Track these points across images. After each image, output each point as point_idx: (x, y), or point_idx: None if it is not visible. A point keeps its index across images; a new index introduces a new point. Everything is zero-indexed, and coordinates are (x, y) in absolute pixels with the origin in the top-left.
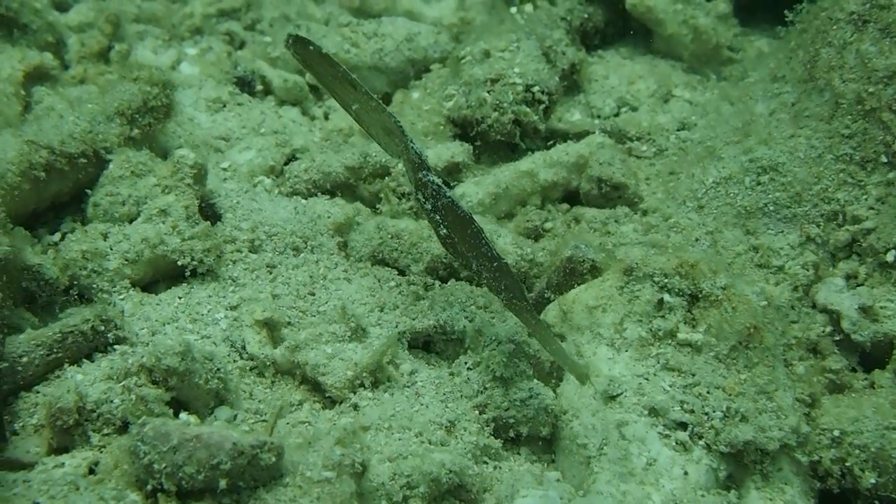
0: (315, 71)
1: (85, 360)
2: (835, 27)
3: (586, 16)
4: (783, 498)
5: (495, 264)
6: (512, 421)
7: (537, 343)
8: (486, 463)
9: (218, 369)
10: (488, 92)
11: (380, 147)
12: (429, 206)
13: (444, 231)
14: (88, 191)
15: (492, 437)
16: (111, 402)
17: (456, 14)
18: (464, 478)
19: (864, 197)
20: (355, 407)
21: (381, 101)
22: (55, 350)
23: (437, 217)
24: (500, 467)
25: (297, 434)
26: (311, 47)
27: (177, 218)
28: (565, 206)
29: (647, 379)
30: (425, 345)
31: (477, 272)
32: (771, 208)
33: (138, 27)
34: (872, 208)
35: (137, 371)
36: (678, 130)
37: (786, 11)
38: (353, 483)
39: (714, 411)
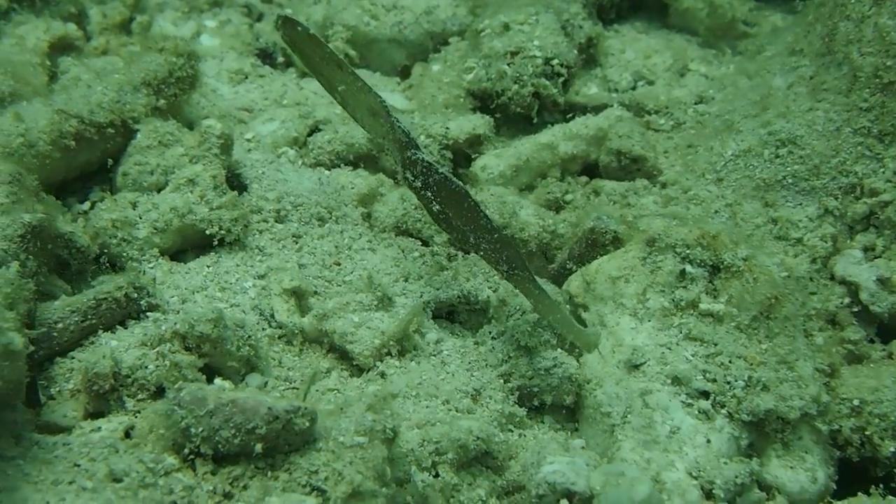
0: (303, 53)
1: (118, 327)
2: (853, 1)
3: None
4: (803, 466)
5: (495, 236)
6: (536, 390)
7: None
8: (510, 431)
9: (249, 336)
10: (508, 65)
11: (364, 130)
12: (418, 184)
13: (437, 207)
14: (111, 161)
15: (516, 406)
16: (145, 367)
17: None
18: (490, 445)
19: (882, 170)
20: (382, 375)
21: (366, 83)
22: (89, 316)
23: (429, 194)
24: (525, 435)
25: (326, 401)
26: (299, 28)
27: (204, 188)
28: (584, 178)
29: (669, 348)
30: (449, 315)
31: (475, 245)
32: (789, 181)
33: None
34: (890, 181)
35: (171, 337)
36: (696, 104)
37: None
38: (385, 448)
39: (736, 380)
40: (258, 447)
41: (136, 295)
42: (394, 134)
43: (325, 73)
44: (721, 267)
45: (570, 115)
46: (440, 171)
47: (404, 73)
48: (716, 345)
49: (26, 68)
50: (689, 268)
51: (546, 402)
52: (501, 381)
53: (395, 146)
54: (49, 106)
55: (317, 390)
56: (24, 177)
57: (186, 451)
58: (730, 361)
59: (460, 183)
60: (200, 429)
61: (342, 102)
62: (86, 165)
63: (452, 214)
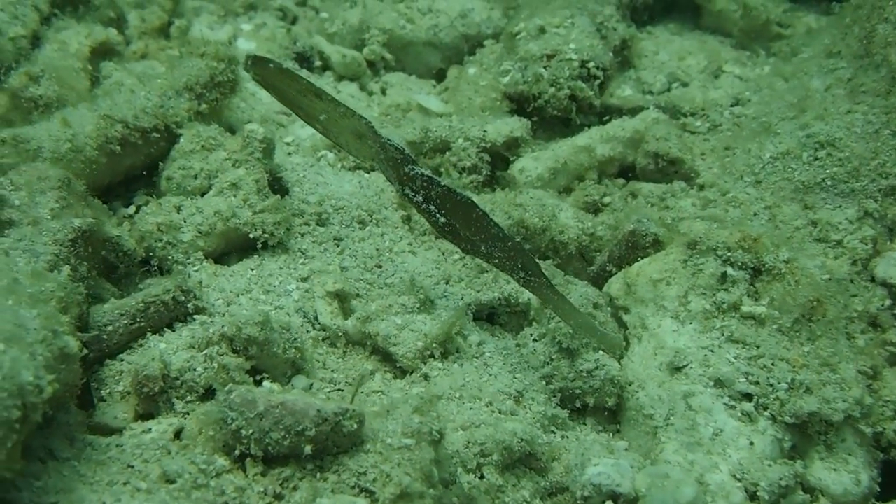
0: (276, 89)
1: (166, 330)
2: (891, 3)
3: None
4: (847, 468)
5: (508, 244)
6: (578, 392)
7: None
8: (553, 432)
9: (295, 339)
10: (545, 67)
11: (352, 155)
12: (419, 199)
13: (443, 220)
14: (161, 163)
15: (558, 408)
16: (194, 370)
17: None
18: (534, 446)
19: None
20: (426, 377)
21: (349, 107)
22: (138, 319)
23: (432, 207)
24: (568, 437)
25: (372, 403)
26: (270, 65)
27: (248, 191)
28: (621, 181)
29: (711, 351)
30: (489, 317)
31: (487, 255)
32: (829, 183)
33: (194, 3)
34: None
35: (219, 340)
36: (732, 106)
37: None
38: (432, 450)
39: (779, 383)
40: (307, 449)
41: (183, 298)
42: (385, 153)
43: (304, 106)
44: (762, 269)
45: (607, 117)
46: (442, 183)
47: (439, 75)
48: (758, 347)
49: (70, 73)
50: (730, 270)
51: (588, 403)
52: (544, 382)
53: (387, 165)
54: (94, 111)
55: (362, 392)
56: (72, 181)
57: (237, 452)
58: (772, 364)
59: (465, 193)
60: (251, 430)
61: (325, 132)
62: (130, 169)
63: (460, 225)
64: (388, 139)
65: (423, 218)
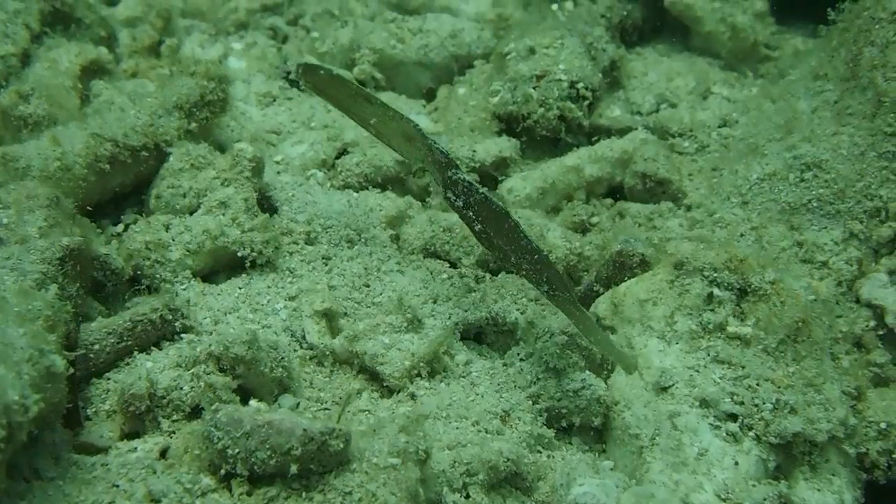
0: (329, 95)
1: (154, 348)
2: (877, 26)
3: (625, 13)
4: (831, 489)
5: (536, 257)
6: (564, 411)
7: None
8: (539, 452)
9: (282, 358)
10: (534, 88)
11: (403, 157)
12: (460, 204)
13: (479, 227)
14: (150, 181)
15: (545, 427)
16: (181, 388)
17: (493, 10)
18: (520, 466)
19: None
20: (413, 396)
21: (398, 111)
22: (125, 338)
23: (471, 213)
24: (554, 456)
25: (358, 422)
26: (321, 72)
27: (236, 210)
28: (609, 200)
29: (697, 371)
30: (476, 336)
31: (516, 265)
32: (815, 204)
33: (184, 22)
34: None
35: (206, 359)
36: (720, 127)
37: (828, 10)
38: (418, 469)
39: (764, 403)
40: (294, 468)
41: (170, 316)
42: (432, 156)
43: (355, 110)
44: (748, 290)
45: (595, 137)
46: (480, 190)
47: (429, 95)
48: (743, 367)
49: (60, 91)
50: (716, 291)
51: (574, 423)
52: (530, 402)
53: (434, 168)
54: (84, 129)
55: (348, 411)
56: (61, 200)
57: (223, 471)
58: (757, 384)
59: (501, 203)
60: (237, 450)
61: (377, 135)
62: (120, 188)
63: (493, 234)
64: (435, 143)
65: (463, 222)
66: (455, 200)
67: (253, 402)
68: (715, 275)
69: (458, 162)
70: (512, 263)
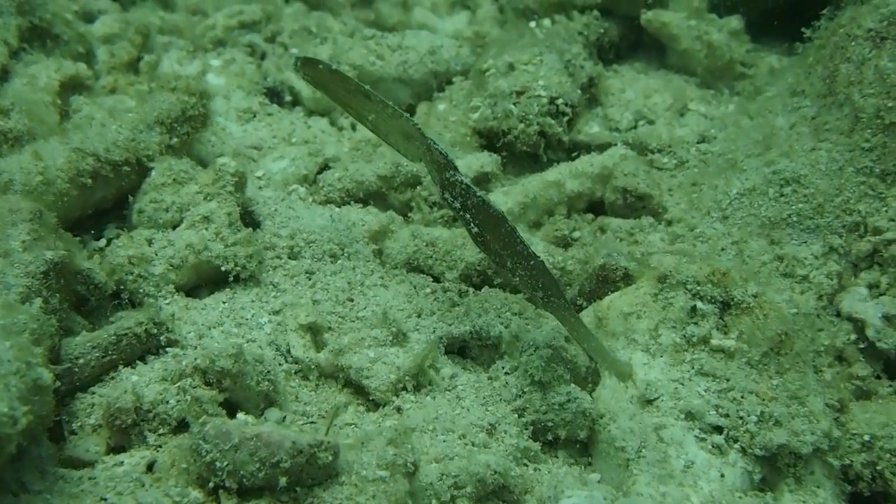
0: (328, 89)
1: (139, 362)
2: (853, 43)
3: (602, 31)
4: (815, 500)
5: (531, 262)
6: (550, 424)
7: (575, 348)
8: (525, 465)
9: (268, 371)
10: (514, 104)
11: (401, 154)
12: (457, 205)
13: (476, 230)
14: (131, 196)
15: (531, 440)
16: (167, 402)
17: (470, 28)
18: (507, 479)
19: (885, 209)
20: (398, 410)
21: (397, 108)
22: (110, 352)
23: (468, 216)
24: (540, 469)
25: (345, 435)
26: (320, 66)
27: (220, 224)
28: (590, 216)
29: (682, 384)
30: (461, 350)
31: (512, 270)
32: (794, 219)
33: (163, 39)
34: (893, 220)
35: (192, 372)
36: (698, 143)
37: (803, 28)
38: (407, 482)
39: (749, 415)
40: (283, 481)
41: (155, 330)
42: (431, 156)
43: (354, 105)
44: (731, 303)
45: (575, 153)
46: (478, 193)
47: (409, 112)
48: (728, 380)
49: (40, 107)
50: (700, 304)
51: (560, 436)
52: (516, 415)
53: (433, 167)
54: (66, 144)
55: (335, 424)
56: (44, 214)
57: (211, 484)
58: (742, 396)
59: (498, 207)
60: (225, 462)
61: (374, 130)
62: (101, 203)
63: (490, 238)
64: (434, 142)
65: (461, 224)
66: (452, 202)
67: (240, 416)
68: (698, 288)
69: None
70: (507, 268)
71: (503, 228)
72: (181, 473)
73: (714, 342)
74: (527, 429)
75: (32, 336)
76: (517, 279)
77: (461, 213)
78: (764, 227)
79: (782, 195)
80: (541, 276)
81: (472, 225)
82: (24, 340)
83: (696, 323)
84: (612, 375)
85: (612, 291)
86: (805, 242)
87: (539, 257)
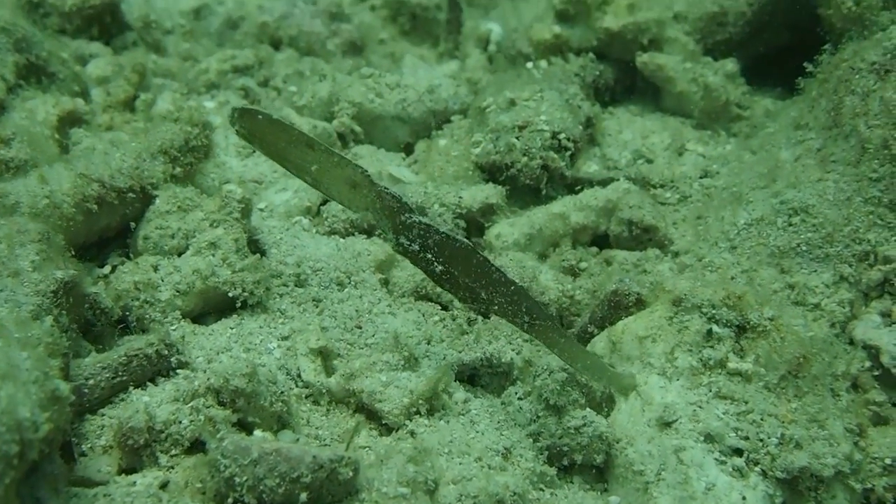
0: (264, 142)
1: (149, 384)
2: (857, 76)
3: (598, 73)
4: None
5: (511, 288)
6: (566, 449)
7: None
8: (542, 490)
9: (281, 392)
10: (517, 138)
11: (344, 206)
12: (416, 248)
13: (441, 268)
14: (134, 224)
15: (546, 465)
16: (180, 422)
17: (462, 75)
18: (526, 501)
19: (894, 238)
20: (412, 433)
21: (343, 156)
22: (120, 373)
23: (429, 256)
24: (556, 495)
25: (361, 456)
26: (259, 116)
27: (227, 251)
28: (594, 249)
29: (700, 406)
30: (470, 378)
31: (488, 301)
32: (804, 248)
33: (157, 80)
34: None
35: (205, 392)
36: (701, 178)
37: (805, 63)
38: (428, 499)
39: (769, 438)
40: (303, 496)
41: (166, 352)
42: (381, 202)
43: (294, 158)
44: (747, 327)
45: (579, 187)
46: (441, 230)
47: (407, 150)
48: (746, 402)
49: (40, 138)
50: (715, 327)
51: (576, 461)
52: (531, 440)
53: (383, 214)
54: (71, 170)
55: (349, 447)
56: (52, 235)
57: (230, 500)
58: (762, 419)
59: (465, 239)
60: (245, 478)
61: (315, 183)
62: (105, 230)
63: (460, 272)
64: (385, 188)
65: (419, 268)
66: (410, 245)
67: (258, 432)
68: (713, 311)
69: (441, 208)
70: (482, 300)
71: (474, 259)
72: (195, 494)
73: (731, 365)
74: (542, 453)
75: (48, 349)
76: (495, 308)
77: (420, 255)
78: (773, 257)
79: (791, 224)
80: (523, 301)
81: (436, 264)
82: (40, 352)
83: (712, 346)
84: (614, 390)
85: (625, 317)
86: (815, 271)
87: (518, 283)
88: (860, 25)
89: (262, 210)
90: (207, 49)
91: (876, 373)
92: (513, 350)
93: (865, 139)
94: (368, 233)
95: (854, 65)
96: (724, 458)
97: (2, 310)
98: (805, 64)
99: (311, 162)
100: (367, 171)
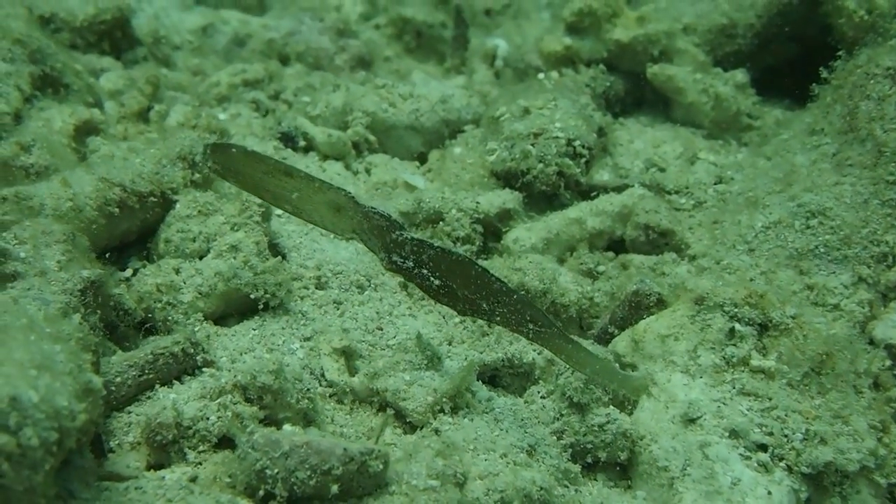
0: (240, 175)
1: (175, 382)
2: (872, 81)
3: (608, 84)
4: None
5: (513, 297)
6: (590, 446)
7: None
8: (566, 487)
9: (307, 389)
10: (532, 145)
11: (328, 231)
12: (409, 265)
13: (438, 282)
14: (155, 228)
15: (570, 462)
16: (207, 419)
17: (470, 89)
18: (552, 496)
19: None
20: (436, 432)
21: (324, 181)
22: (147, 371)
23: (424, 271)
24: (581, 492)
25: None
26: (233, 150)
27: (248, 253)
28: (611, 254)
29: (724, 403)
30: (491, 380)
31: (489, 312)
32: (822, 250)
33: (168, 93)
34: None
35: (232, 389)
36: (715, 184)
37: (820, 68)
38: (458, 492)
39: (794, 433)
40: (334, 488)
41: (192, 350)
42: (369, 222)
43: (272, 187)
44: (770, 325)
45: (594, 193)
46: (435, 244)
47: (421, 159)
48: (770, 399)
49: (58, 146)
50: (738, 326)
51: (600, 458)
52: (554, 437)
53: (371, 235)
54: (92, 174)
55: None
56: (77, 237)
57: (261, 493)
58: (786, 415)
59: (461, 252)
60: (276, 470)
61: (295, 212)
62: (126, 234)
63: (458, 285)
64: (372, 207)
65: (414, 284)
66: (403, 263)
67: (287, 426)
68: (735, 310)
69: (459, 213)
70: (484, 311)
71: (473, 270)
72: (225, 487)
73: (754, 363)
74: (566, 451)
75: (79, 344)
76: (498, 319)
77: (415, 271)
78: (792, 259)
79: (808, 227)
80: (526, 309)
81: (432, 280)
82: (72, 346)
83: (734, 344)
84: (627, 393)
85: (646, 317)
86: (834, 273)
87: (520, 291)
88: (873, 33)
89: (279, 216)
90: (216, 66)
91: None
92: (534, 350)
93: (882, 143)
94: None
95: (869, 70)
96: (748, 454)
97: (30, 307)
98: (820, 69)
99: (291, 190)
100: (350, 193)
